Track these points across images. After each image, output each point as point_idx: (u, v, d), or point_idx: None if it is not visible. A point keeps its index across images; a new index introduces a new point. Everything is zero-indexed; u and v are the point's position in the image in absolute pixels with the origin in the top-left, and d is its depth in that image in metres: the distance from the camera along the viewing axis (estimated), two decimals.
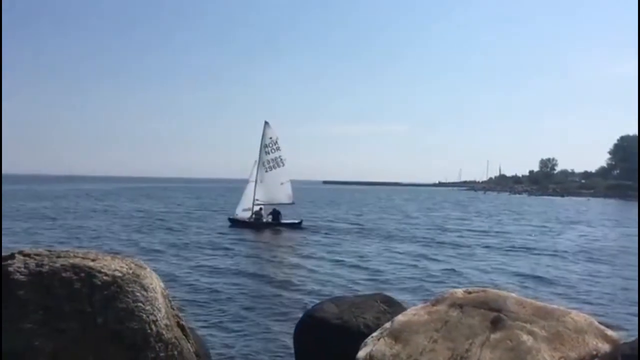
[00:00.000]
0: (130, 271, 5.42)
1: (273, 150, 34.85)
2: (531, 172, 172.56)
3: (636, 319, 10.62)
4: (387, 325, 5.43)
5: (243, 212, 34.52)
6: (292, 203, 35.30)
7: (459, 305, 5.33)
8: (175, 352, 5.42)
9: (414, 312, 5.48)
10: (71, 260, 5.24)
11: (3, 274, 5.04)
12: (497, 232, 34.00)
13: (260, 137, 34.95)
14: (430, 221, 42.18)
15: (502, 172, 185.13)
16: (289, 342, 8.74)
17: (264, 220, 33.72)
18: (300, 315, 9.39)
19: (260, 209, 33.99)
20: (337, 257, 21.21)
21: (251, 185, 34.41)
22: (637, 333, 7.02)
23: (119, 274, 5.30)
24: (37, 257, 5.22)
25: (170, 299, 5.91)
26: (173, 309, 5.87)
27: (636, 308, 11.72)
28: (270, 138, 35.00)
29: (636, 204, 70.27)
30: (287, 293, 14.26)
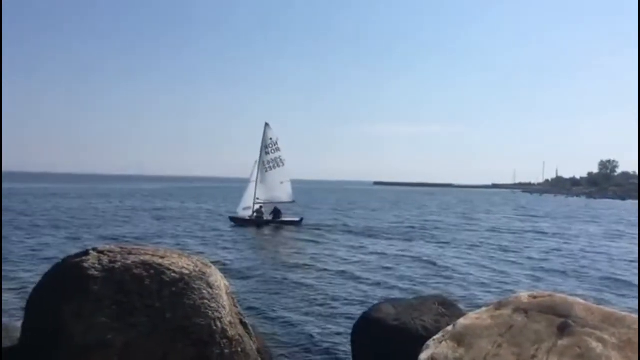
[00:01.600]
0: (197, 269, 5.59)
1: (273, 151, 35.60)
2: (590, 173, 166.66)
3: None
4: (449, 328, 5.39)
5: (244, 210, 35.16)
6: (293, 201, 35.98)
7: (523, 310, 5.23)
8: (239, 349, 5.55)
9: (476, 316, 5.41)
10: (142, 257, 5.45)
11: (79, 269, 5.29)
12: (570, 235, 32.87)
13: (261, 138, 35.90)
14: (491, 225, 41.24)
15: (559, 174, 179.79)
16: (347, 341, 8.77)
17: (265, 218, 34.25)
18: (358, 315, 9.42)
19: (261, 207, 34.59)
20: (397, 259, 21.10)
21: (252, 185, 35.07)
22: None
23: (186, 272, 5.47)
24: (110, 254, 5.46)
25: (234, 296, 6.05)
26: (236, 307, 6.01)
27: None
28: (271, 139, 35.71)
29: None
30: (344, 292, 14.26)
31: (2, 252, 19.92)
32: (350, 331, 8.47)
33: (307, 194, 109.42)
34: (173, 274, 5.38)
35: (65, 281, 5.33)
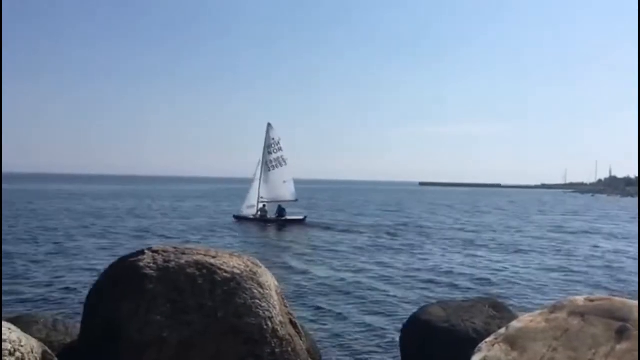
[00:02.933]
0: (248, 269, 5.68)
1: (276, 151, 36.22)
2: None
3: None
4: (502, 331, 5.30)
5: (248, 209, 35.95)
6: (296, 200, 36.63)
7: (579, 313, 5.09)
8: (289, 349, 5.61)
9: (530, 319, 5.30)
10: (194, 257, 5.58)
11: (135, 268, 5.46)
12: (628, 237, 31.62)
13: (264, 138, 36.50)
14: (543, 225, 40.19)
15: (613, 174, 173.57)
16: (396, 342, 8.72)
17: (269, 216, 35.02)
18: (405, 316, 9.35)
19: (264, 205, 35.33)
20: (443, 260, 20.86)
21: (255, 184, 35.81)
22: None
23: (238, 271, 5.57)
24: (164, 254, 5.61)
25: (284, 296, 6.11)
26: (286, 307, 6.07)
27: None
28: (273, 139, 36.29)
29: None
30: (390, 293, 14.18)
31: (62, 250, 20.73)
32: (398, 332, 8.44)
33: (352, 194, 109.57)
34: (225, 274, 5.49)
35: (121, 280, 5.50)
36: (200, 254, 5.66)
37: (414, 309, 9.03)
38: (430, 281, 16.21)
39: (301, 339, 6.01)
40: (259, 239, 28.18)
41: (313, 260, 20.44)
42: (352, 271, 17.83)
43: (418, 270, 18.36)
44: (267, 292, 5.66)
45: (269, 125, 36.78)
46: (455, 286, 15.54)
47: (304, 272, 17.39)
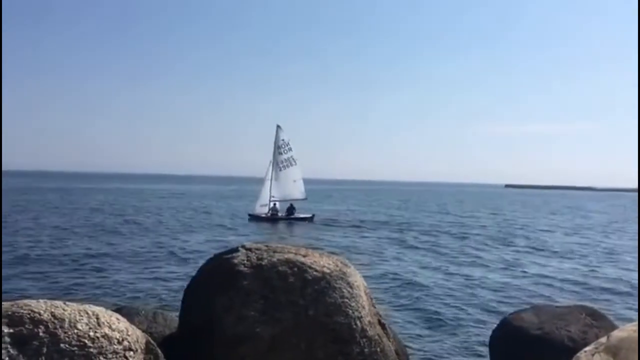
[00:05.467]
0: (337, 268, 5.76)
1: (286, 151, 37.64)
2: None
3: None
4: (603, 340, 5.05)
5: (260, 207, 37.24)
6: (305, 199, 37.94)
7: None
8: (378, 349, 5.63)
9: (634, 328, 5.02)
10: (286, 255, 5.73)
11: (229, 265, 5.68)
12: None
13: (274, 140, 37.89)
14: None
15: None
16: (484, 349, 8.53)
17: (279, 214, 36.67)
18: (493, 321, 9.12)
19: (275, 204, 36.73)
20: (535, 264, 20.14)
21: (267, 184, 37.12)
22: None
23: (327, 270, 5.66)
24: (257, 251, 5.80)
25: (372, 297, 6.14)
26: (374, 307, 6.10)
27: None
28: (283, 140, 37.69)
29: None
30: (476, 297, 13.86)
31: (158, 249, 21.87)
32: (486, 337, 8.25)
33: (443, 197, 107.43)
34: (315, 273, 5.59)
35: (217, 276, 5.74)
36: (292, 253, 5.81)
37: (500, 314, 8.81)
38: (518, 286, 15.70)
39: (389, 340, 6.01)
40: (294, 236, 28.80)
41: (407, 260, 20.32)
42: (441, 272, 17.60)
43: (505, 274, 17.84)
44: (356, 291, 5.71)
45: (278, 127, 38.15)
46: (548, 292, 14.96)
47: (390, 272, 17.35)
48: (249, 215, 38.18)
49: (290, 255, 5.74)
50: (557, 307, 8.18)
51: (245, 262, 5.65)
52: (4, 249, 19.05)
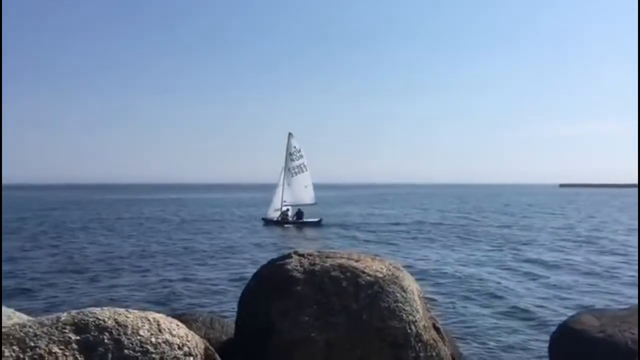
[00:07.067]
0: (390, 272, 5.76)
1: (297, 158, 38.96)
2: None
3: None
4: None
5: (274, 212, 38.78)
6: (315, 203, 39.39)
7: None
8: (434, 354, 5.59)
9: None
10: (338, 261, 5.77)
11: (283, 271, 5.76)
12: None
13: (286, 147, 39.23)
14: None
15: None
16: (543, 354, 8.32)
17: (290, 219, 38.10)
18: (551, 324, 8.90)
19: (287, 209, 38.31)
20: (594, 265, 19.55)
21: (279, 189, 38.61)
22: None
23: (380, 275, 5.67)
24: (309, 257, 5.87)
25: (426, 301, 6.10)
26: (429, 311, 6.06)
27: None
28: (294, 147, 38.98)
29: None
30: (533, 299, 13.49)
31: (213, 253, 22.36)
32: (544, 341, 8.06)
33: (499, 197, 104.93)
34: (368, 277, 5.61)
35: (271, 282, 5.83)
36: (344, 258, 5.84)
37: (558, 317, 8.57)
38: (575, 288, 15.24)
39: (445, 344, 5.95)
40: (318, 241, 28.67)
41: (456, 261, 20.08)
42: (493, 276, 17.28)
43: (562, 275, 17.36)
44: (410, 296, 5.69)
45: (290, 134, 39.32)
46: (607, 293, 14.46)
47: (444, 272, 17.18)
48: (263, 219, 39.76)
49: (343, 261, 5.78)
50: (617, 309, 7.94)
51: (298, 267, 5.73)
52: (95, 257, 20.05)
